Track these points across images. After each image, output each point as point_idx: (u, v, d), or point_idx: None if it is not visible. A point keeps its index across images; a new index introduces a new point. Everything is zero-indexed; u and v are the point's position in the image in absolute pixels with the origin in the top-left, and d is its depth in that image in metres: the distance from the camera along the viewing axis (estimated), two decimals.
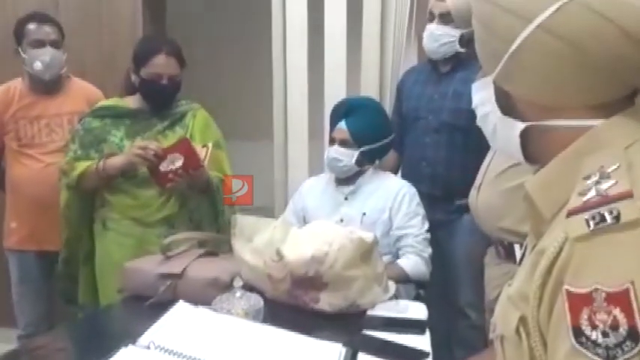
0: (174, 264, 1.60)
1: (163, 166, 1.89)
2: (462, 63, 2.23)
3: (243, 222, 1.57)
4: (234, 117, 3.17)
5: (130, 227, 1.98)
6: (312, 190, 2.16)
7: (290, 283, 1.43)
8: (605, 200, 0.60)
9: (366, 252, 1.43)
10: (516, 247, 1.40)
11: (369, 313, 1.43)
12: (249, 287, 1.47)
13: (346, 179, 2.05)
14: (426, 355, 1.22)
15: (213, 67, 3.78)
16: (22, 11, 2.62)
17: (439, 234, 2.16)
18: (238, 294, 1.30)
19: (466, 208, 2.20)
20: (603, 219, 0.59)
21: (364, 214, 1.99)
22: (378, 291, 1.46)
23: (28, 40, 2.24)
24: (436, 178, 2.23)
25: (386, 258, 1.91)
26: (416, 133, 2.28)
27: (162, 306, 1.48)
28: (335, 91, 2.61)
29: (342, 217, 2.01)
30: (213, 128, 2.14)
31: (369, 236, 1.45)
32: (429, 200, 2.14)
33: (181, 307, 1.17)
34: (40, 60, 2.23)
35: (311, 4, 2.63)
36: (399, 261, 1.93)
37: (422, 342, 1.29)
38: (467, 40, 2.20)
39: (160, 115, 2.05)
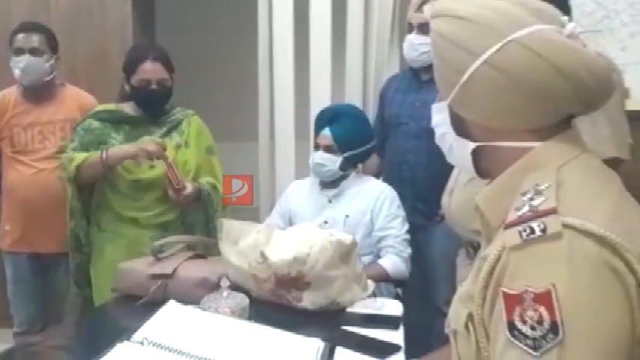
0: (165, 265, 1.68)
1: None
2: None
3: (229, 226, 1.65)
4: (224, 120, 3.25)
5: (124, 228, 2.06)
6: (298, 193, 2.24)
7: (274, 283, 1.52)
8: (536, 215, 0.71)
9: (345, 253, 1.52)
10: None
11: (348, 310, 1.53)
12: (235, 287, 1.56)
13: (330, 183, 2.13)
14: (398, 348, 1.32)
15: (202, 74, 3.85)
16: (15, 19, 2.70)
17: (418, 236, 2.24)
18: (225, 293, 1.39)
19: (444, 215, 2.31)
20: (533, 231, 0.69)
21: (347, 216, 2.07)
22: (357, 290, 1.56)
23: (13, 48, 2.32)
24: (416, 182, 2.31)
25: (367, 258, 2.00)
26: (397, 138, 2.37)
27: (153, 305, 1.58)
28: (320, 95, 2.70)
29: (326, 219, 2.09)
30: (206, 134, 2.24)
31: (347, 238, 1.54)
32: (410, 203, 2.24)
33: (172, 306, 1.26)
34: (18, 67, 2.30)
35: (297, 9, 2.71)
36: (379, 261, 2.01)
37: (395, 337, 1.39)
38: None
39: (157, 122, 2.13)
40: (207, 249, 1.92)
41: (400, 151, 2.36)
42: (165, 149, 2.00)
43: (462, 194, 1.52)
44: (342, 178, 2.13)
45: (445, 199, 1.63)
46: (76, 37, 2.95)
